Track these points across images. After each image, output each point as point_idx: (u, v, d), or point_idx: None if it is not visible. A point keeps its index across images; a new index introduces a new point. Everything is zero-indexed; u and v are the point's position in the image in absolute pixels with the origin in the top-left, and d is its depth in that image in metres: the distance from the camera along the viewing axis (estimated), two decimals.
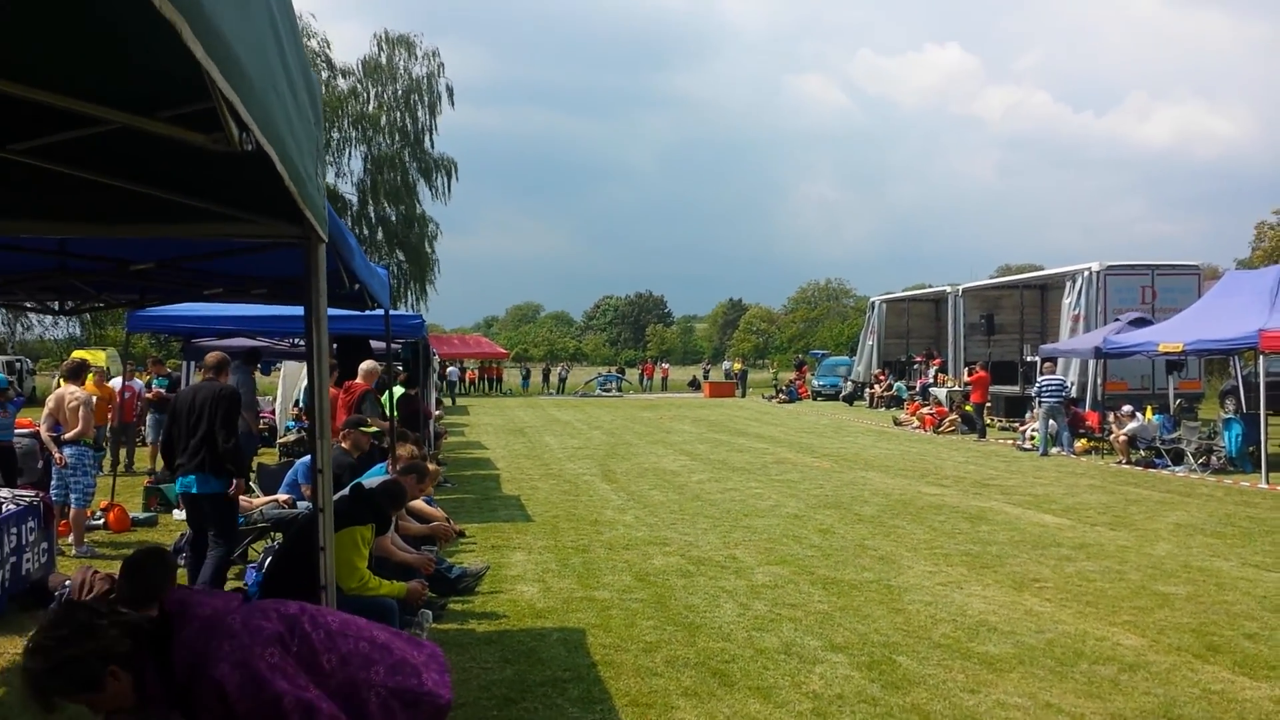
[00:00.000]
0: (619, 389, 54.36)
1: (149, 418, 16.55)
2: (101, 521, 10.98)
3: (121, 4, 1.94)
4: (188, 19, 1.46)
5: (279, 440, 18.38)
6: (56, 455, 9.91)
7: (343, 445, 8.29)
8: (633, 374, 64.93)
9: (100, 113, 2.43)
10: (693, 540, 10.64)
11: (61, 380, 10.81)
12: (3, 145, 3.03)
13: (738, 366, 58.21)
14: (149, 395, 16.63)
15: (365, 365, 11.39)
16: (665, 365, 66.27)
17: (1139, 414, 19.07)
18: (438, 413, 22.35)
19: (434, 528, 8.38)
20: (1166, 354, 18.45)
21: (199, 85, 2.31)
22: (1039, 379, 20.91)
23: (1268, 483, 15.12)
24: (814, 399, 44.07)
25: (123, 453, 15.64)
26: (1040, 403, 20.35)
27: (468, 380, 54.28)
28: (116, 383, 15.07)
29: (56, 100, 2.38)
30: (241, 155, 2.43)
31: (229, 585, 7.97)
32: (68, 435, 9.93)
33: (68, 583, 7.36)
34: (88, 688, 2.53)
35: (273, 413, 21.00)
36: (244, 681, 2.47)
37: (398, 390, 14.34)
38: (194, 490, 7.66)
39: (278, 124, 2.28)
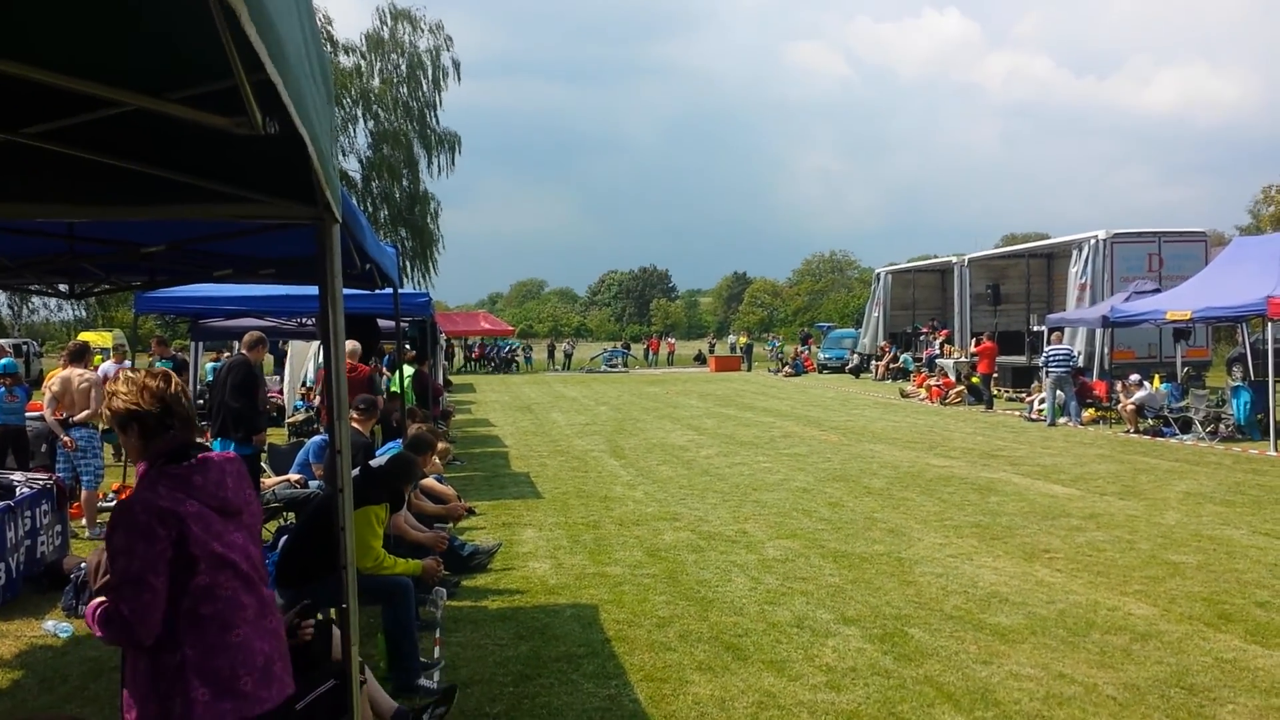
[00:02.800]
0: (625, 364, 54.06)
1: None
2: (113, 504, 11.02)
3: None
4: (247, 4, 1.45)
5: (288, 420, 18.44)
6: (63, 438, 9.93)
7: (356, 425, 8.32)
8: (638, 349, 64.77)
9: (116, 95, 2.42)
10: (703, 515, 10.67)
11: (65, 363, 10.81)
12: (16, 129, 3.02)
13: (743, 340, 58.06)
14: None
15: (348, 346, 11.42)
16: (671, 340, 66.10)
17: (1146, 383, 19.04)
18: (445, 394, 22.39)
19: (447, 508, 8.40)
20: (1174, 322, 18.42)
21: (211, 66, 2.31)
22: (1046, 349, 20.88)
23: (1276, 450, 15.12)
24: (820, 372, 44.03)
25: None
26: (1047, 373, 20.33)
27: (474, 358, 54.22)
28: (108, 366, 14.60)
29: (70, 83, 2.37)
30: (255, 137, 2.42)
31: None
32: (78, 417, 9.94)
33: (82, 565, 7.40)
34: (121, 423, 2.98)
35: (280, 392, 21.03)
36: (137, 520, 2.75)
37: (408, 369, 14.39)
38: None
39: (308, 105, 2.27)
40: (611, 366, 52.29)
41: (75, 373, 10.13)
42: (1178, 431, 17.52)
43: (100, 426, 10.15)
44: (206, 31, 1.69)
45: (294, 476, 9.26)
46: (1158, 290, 21.25)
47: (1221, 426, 17.15)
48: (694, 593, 7.55)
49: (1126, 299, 20.82)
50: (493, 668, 5.96)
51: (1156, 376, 20.32)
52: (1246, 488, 12.02)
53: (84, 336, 29.70)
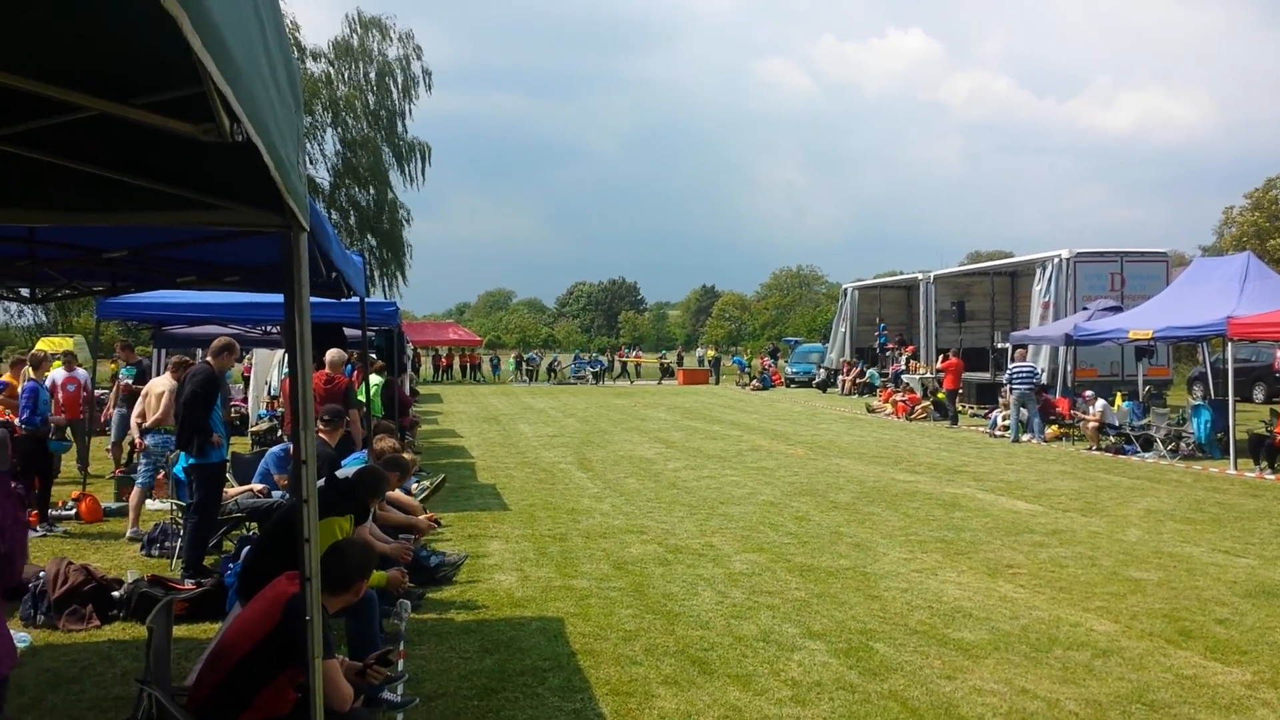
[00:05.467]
0: (602, 373, 49.87)
1: (115, 413, 14.72)
2: (73, 512, 10.87)
3: None
4: (188, 12, 1.43)
5: (251, 429, 18.25)
6: (139, 441, 10.70)
7: (321, 435, 8.25)
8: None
9: (81, 100, 2.38)
10: (670, 528, 10.66)
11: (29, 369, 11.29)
12: None
13: (711, 354, 58.05)
14: (121, 386, 14.77)
15: (334, 355, 11.31)
16: (638, 353, 65.82)
17: (1101, 399, 19.23)
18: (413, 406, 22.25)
19: (413, 520, 8.32)
20: (1136, 341, 18.63)
21: (177, 71, 2.28)
22: (1010, 366, 21.05)
23: (1236, 469, 15.32)
24: (788, 386, 44.18)
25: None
26: (1011, 390, 20.51)
27: (441, 367, 53.89)
28: (59, 374, 14.16)
29: (35, 86, 2.34)
30: (222, 144, 2.39)
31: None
32: (148, 424, 10.53)
33: (41, 573, 7.28)
34: None
35: (245, 401, 20.84)
36: None
37: (376, 379, 14.29)
38: (184, 464, 8.56)
39: (263, 113, 2.25)
40: (579, 378, 49.49)
41: (155, 381, 11.12)
42: (1139, 449, 17.70)
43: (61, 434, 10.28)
44: (173, 38, 1.67)
45: (257, 486, 9.17)
46: (1119, 309, 21.52)
47: (1182, 445, 17.35)
48: (660, 606, 7.53)
49: (1089, 317, 21.05)
50: (457, 681, 5.91)
51: (1119, 394, 20.55)
52: (1207, 505, 12.16)
53: (43, 342, 29.28)
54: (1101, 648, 6.53)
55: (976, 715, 5.36)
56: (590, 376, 49.76)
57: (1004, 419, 21.20)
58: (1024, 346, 22.09)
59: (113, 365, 17.90)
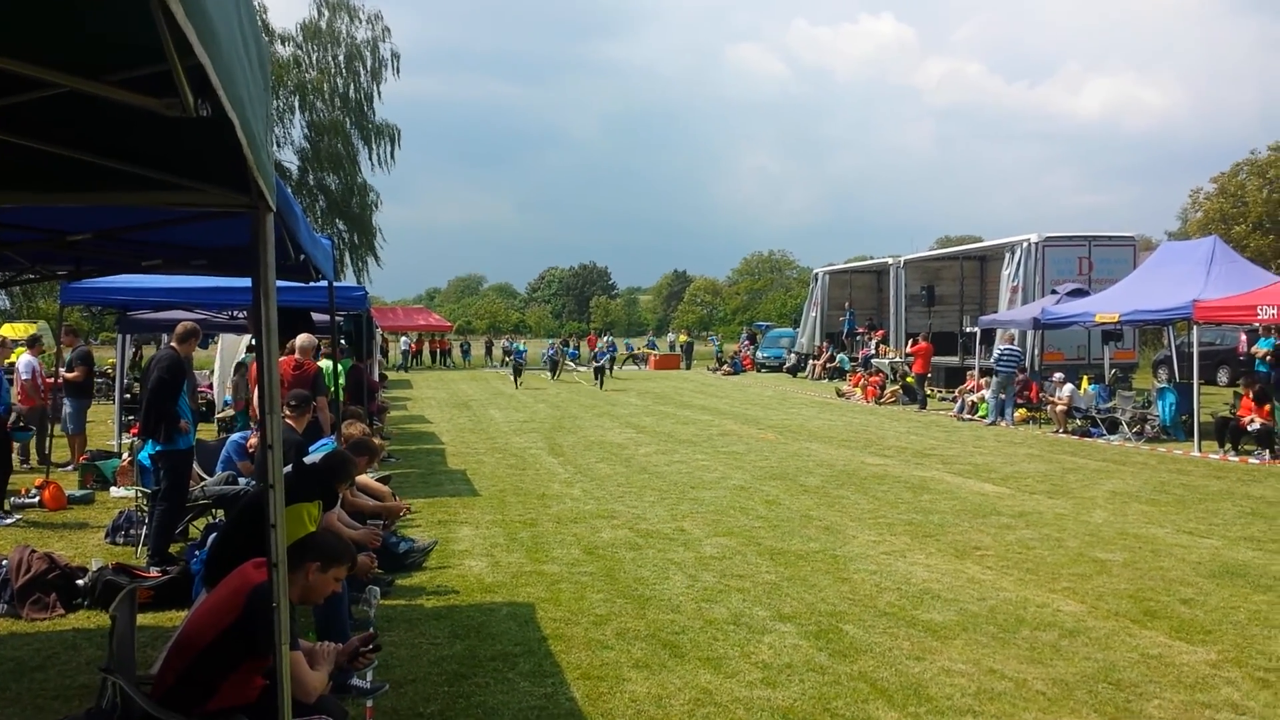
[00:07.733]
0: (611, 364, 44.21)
1: (64, 402, 13.73)
2: (37, 500, 10.74)
3: None
4: None
5: (217, 415, 18.08)
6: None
7: (288, 421, 8.17)
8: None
9: (48, 76, 2.33)
10: (640, 513, 10.67)
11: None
12: None
13: (683, 339, 58.02)
14: (66, 377, 13.87)
15: (303, 340, 11.21)
16: (608, 338, 65.58)
17: (1069, 383, 19.40)
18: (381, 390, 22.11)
19: (384, 506, 8.28)
20: (1103, 324, 18.80)
21: (143, 48, 2.23)
22: (999, 348, 21.13)
23: (1200, 451, 15.51)
24: (758, 371, 44.25)
25: (32, 445, 14.00)
26: (997, 372, 20.65)
27: (411, 353, 53.57)
28: (27, 359, 13.85)
29: (2, 63, 2.28)
30: (185, 121, 2.35)
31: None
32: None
33: (4, 562, 7.19)
34: None
35: (210, 387, 20.63)
36: None
37: (344, 363, 14.18)
38: (150, 451, 8.43)
39: (239, 88, 2.21)
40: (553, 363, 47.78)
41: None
42: (1105, 432, 17.89)
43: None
44: (140, 11, 1.64)
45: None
46: (1085, 291, 21.69)
47: (1147, 427, 17.55)
48: (631, 590, 7.54)
49: (1057, 301, 21.22)
50: (427, 667, 5.89)
51: (1085, 378, 20.73)
52: (1171, 487, 12.31)
53: (6, 329, 28.87)
54: (1068, 628, 6.60)
55: (945, 695, 5.40)
56: (575, 367, 45.19)
57: (976, 399, 21.38)
58: (1011, 330, 22.23)
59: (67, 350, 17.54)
